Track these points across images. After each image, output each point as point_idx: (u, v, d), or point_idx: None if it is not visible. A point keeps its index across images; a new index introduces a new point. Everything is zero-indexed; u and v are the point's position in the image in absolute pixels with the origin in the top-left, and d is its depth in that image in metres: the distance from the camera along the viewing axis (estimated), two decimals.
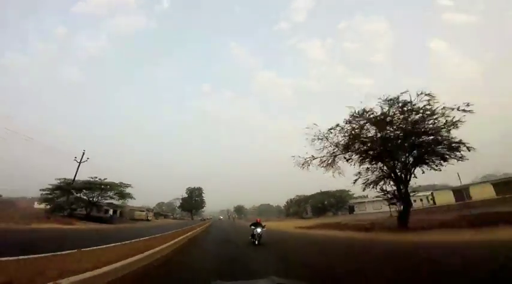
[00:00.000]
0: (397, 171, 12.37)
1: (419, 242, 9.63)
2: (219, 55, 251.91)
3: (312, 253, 9.31)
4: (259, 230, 12.03)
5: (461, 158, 11.11)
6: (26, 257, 5.14)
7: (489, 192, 39.26)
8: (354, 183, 14.07)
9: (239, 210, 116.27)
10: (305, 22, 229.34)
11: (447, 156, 11.34)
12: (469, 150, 10.83)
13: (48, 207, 33.84)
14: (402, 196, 12.34)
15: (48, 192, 34.72)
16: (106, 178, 36.72)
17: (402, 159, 12.29)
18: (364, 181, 13.71)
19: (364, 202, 62.43)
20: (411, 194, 13.40)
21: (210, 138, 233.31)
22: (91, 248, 7.19)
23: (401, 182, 12.25)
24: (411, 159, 12.09)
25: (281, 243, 13.03)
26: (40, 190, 33.91)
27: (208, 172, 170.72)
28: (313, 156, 14.95)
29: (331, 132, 13.87)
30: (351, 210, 65.08)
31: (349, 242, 11.71)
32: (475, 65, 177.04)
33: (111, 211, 42.59)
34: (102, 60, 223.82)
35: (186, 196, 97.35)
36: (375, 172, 13.38)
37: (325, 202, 70.77)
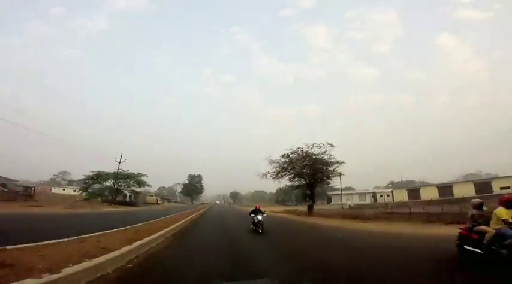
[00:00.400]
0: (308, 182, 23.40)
1: (305, 221, 20.07)
2: (221, 39, 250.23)
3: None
4: (260, 217, 11.90)
5: (340, 174, 21.95)
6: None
7: (470, 191, 43.20)
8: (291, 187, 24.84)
9: (235, 195, 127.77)
10: (311, 9, 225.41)
11: (330, 176, 22.23)
12: (340, 175, 21.43)
13: (84, 193, 44.42)
14: (310, 196, 23.32)
15: (84, 182, 45.28)
16: (128, 169, 47.12)
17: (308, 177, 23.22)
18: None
19: (339, 194, 73.60)
20: (330, 193, 24.70)
21: (210, 122, 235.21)
22: (166, 216, 17.37)
23: (310, 188, 23.12)
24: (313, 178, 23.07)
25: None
26: (81, 180, 44.55)
27: (206, 158, 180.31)
28: (268, 172, 25.69)
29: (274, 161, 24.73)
30: (329, 200, 76.29)
31: (281, 220, 22.16)
32: (481, 63, 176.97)
33: (128, 197, 53.34)
34: (102, 41, 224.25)
35: (187, 182, 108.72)
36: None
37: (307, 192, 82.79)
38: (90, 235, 7.22)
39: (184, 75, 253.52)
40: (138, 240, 6.81)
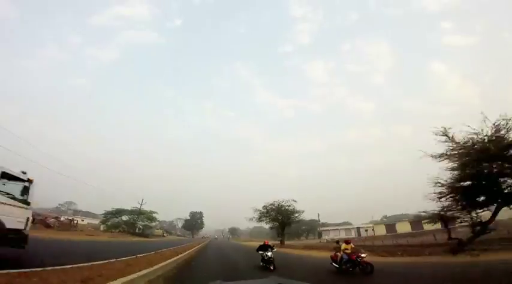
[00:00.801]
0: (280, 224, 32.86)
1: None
2: (223, 74, 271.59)
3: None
4: (269, 254, 11.61)
5: (298, 221, 31.36)
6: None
7: (407, 227, 57.21)
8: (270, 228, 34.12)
9: (233, 231, 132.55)
10: (308, 44, 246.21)
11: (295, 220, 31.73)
12: (299, 221, 30.65)
13: (103, 225, 52.75)
14: (281, 234, 32.40)
15: (104, 215, 53.96)
16: (141, 206, 55.88)
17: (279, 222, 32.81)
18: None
19: (328, 230, 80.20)
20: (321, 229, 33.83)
21: (209, 158, 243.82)
22: (179, 246, 26.18)
23: (282, 229, 32.34)
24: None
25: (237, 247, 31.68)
26: (102, 214, 53.31)
27: (205, 193, 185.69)
28: (253, 216, 35.42)
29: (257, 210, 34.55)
30: (319, 235, 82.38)
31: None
32: (472, 88, 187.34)
33: (139, 229, 61.15)
34: (109, 71, 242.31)
35: (189, 218, 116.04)
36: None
37: (303, 227, 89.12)
38: (141, 254, 15.70)
39: (185, 108, 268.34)
40: (174, 256, 15.96)
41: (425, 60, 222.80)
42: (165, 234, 72.29)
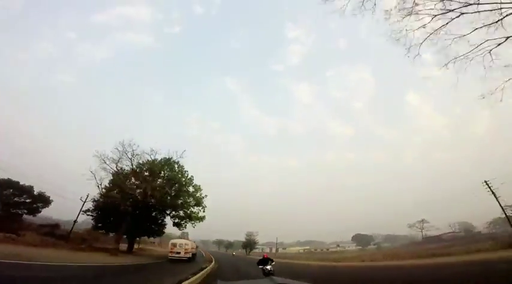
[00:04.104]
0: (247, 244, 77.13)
1: (244, 257, 73.17)
2: (212, 85, 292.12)
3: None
4: (268, 267, 8.93)
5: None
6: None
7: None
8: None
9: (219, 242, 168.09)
10: (298, 66, 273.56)
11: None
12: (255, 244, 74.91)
13: None
14: (246, 249, 76.49)
15: None
16: None
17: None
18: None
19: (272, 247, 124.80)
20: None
21: (193, 167, 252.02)
22: None
23: (246, 247, 76.37)
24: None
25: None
26: None
27: None
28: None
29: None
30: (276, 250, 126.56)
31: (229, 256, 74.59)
32: (441, 119, 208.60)
33: None
34: (99, 70, 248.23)
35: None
36: None
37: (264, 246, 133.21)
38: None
39: (171, 115, 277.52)
40: None
41: (402, 90, 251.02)
42: None
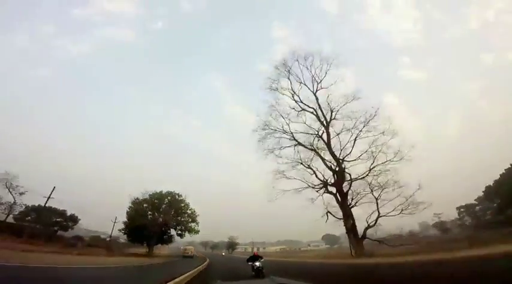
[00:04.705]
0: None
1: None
2: (196, 83, 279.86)
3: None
4: (257, 263, 12.27)
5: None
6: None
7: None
8: None
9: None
10: (282, 65, 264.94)
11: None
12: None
13: None
14: (229, 249, 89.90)
15: None
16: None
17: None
18: None
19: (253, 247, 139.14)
20: None
21: (174, 166, 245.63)
22: None
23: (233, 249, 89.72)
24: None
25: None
26: None
27: None
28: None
29: None
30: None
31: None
32: (415, 121, 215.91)
33: None
34: (79, 66, 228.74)
35: None
36: None
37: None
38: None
39: (152, 112, 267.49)
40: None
41: (381, 91, 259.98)
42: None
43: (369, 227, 28.41)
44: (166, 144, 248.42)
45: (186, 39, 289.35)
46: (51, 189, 34.91)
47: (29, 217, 42.64)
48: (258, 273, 11.77)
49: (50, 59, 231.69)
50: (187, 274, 12.97)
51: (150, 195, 43.41)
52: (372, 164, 28.20)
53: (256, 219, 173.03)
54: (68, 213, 46.36)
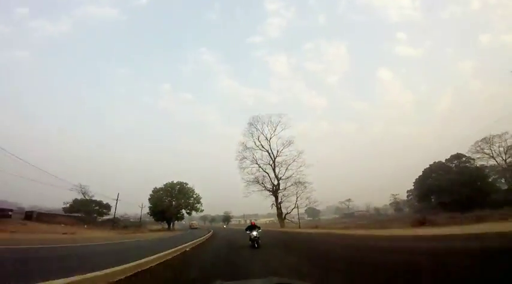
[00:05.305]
0: None
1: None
2: (186, 58, 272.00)
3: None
4: (254, 233, 12.69)
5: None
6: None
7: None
8: None
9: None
10: (276, 38, 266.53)
11: None
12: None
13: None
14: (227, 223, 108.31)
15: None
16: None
17: None
18: None
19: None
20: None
21: (168, 142, 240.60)
22: None
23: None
24: None
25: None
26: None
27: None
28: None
29: None
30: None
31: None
32: (409, 95, 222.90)
33: None
34: (60, 47, 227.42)
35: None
36: None
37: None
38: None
39: (143, 89, 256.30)
40: None
41: (375, 66, 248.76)
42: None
43: (287, 213, 52.50)
44: (157, 120, 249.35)
45: (172, 13, 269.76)
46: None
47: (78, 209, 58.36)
48: (254, 243, 12.43)
49: (27, 41, 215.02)
50: (207, 235, 28.87)
51: (164, 184, 59.68)
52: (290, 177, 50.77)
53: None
54: (104, 202, 61.96)
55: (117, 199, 50.99)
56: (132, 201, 64.82)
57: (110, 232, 36.26)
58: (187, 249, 13.79)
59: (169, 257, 10.20)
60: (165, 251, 10.51)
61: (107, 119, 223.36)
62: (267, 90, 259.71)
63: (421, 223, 23.36)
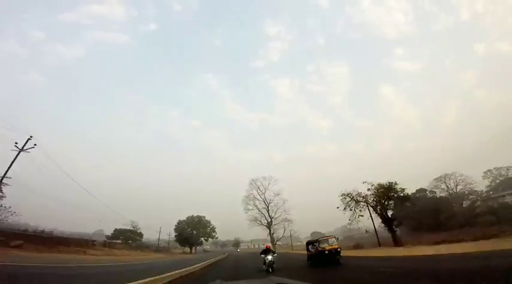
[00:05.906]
0: None
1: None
2: (193, 83, 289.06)
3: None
4: (269, 257, 12.51)
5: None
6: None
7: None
8: None
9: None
10: (278, 62, 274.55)
11: None
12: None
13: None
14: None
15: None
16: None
17: None
18: None
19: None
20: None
21: (175, 166, 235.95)
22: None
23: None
24: None
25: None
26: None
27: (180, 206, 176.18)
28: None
29: None
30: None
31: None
32: (412, 110, 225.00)
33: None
34: (72, 70, 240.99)
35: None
36: None
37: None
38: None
39: (151, 115, 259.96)
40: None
41: (377, 83, 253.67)
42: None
43: (278, 240, 73.03)
44: (165, 145, 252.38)
45: (179, 40, 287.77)
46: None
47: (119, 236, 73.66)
48: (268, 266, 12.23)
49: (41, 65, 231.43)
50: (223, 256, 43.08)
51: (186, 217, 75.49)
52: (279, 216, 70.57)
53: None
54: (138, 230, 77.18)
55: (159, 231, 69.46)
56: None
57: (156, 254, 50.87)
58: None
59: (213, 261, 24.91)
60: (208, 260, 25.19)
61: (111, 139, 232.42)
62: (271, 113, 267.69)
63: (400, 244, 30.12)
